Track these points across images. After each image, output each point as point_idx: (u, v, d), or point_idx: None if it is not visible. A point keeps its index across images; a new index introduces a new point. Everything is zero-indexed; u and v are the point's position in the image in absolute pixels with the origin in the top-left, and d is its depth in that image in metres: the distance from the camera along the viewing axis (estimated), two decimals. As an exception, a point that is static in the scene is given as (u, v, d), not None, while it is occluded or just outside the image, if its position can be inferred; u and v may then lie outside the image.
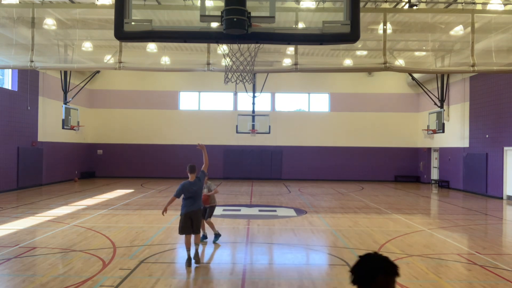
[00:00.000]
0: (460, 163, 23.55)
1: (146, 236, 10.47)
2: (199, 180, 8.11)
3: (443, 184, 25.39)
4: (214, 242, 9.66)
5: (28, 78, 21.80)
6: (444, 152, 25.77)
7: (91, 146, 29.35)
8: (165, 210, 8.03)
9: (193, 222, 7.94)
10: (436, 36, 14.39)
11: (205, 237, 9.77)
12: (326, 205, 16.89)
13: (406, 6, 15.43)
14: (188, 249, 7.95)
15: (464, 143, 23.20)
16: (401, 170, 29.52)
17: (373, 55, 19.19)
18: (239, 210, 15.15)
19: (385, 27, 12.63)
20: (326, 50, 18.60)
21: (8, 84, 20.75)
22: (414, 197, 20.36)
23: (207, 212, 9.75)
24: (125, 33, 4.36)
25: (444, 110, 22.87)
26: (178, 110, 29.73)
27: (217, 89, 28.83)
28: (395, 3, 16.24)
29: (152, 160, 29.26)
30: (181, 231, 7.97)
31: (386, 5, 15.86)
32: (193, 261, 7.93)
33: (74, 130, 24.22)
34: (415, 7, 14.45)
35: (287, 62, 14.89)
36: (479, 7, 14.66)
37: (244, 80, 8.44)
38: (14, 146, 20.47)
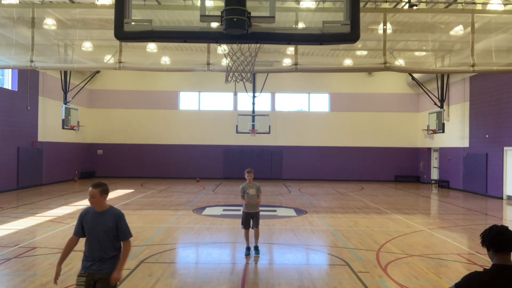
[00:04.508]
0: (460, 163, 23.55)
1: (146, 236, 10.47)
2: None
3: (443, 184, 25.39)
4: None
5: (28, 78, 21.80)
6: (444, 152, 25.77)
7: (91, 146, 29.35)
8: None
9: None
10: (436, 36, 14.37)
11: (248, 249, 8.89)
12: (326, 205, 16.89)
13: (406, 6, 15.42)
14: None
15: (464, 143, 23.20)
16: (401, 170, 29.52)
17: (373, 55, 19.18)
18: (239, 210, 15.12)
19: (385, 27, 12.62)
20: (326, 50, 18.57)
21: (8, 84, 20.75)
22: (414, 197, 20.36)
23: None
24: (125, 33, 4.36)
25: (444, 110, 22.86)
26: (178, 110, 29.73)
27: (217, 89, 28.84)
28: (395, 3, 16.24)
29: (152, 160, 29.25)
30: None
31: (386, 5, 15.85)
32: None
33: (74, 130, 24.22)
34: (415, 7, 14.44)
35: (287, 62, 14.87)
36: (479, 7, 14.65)
37: (244, 80, 8.44)
38: (14, 146, 20.47)
